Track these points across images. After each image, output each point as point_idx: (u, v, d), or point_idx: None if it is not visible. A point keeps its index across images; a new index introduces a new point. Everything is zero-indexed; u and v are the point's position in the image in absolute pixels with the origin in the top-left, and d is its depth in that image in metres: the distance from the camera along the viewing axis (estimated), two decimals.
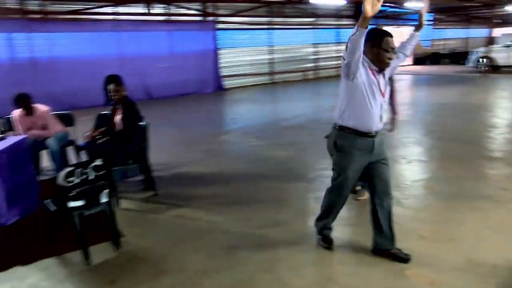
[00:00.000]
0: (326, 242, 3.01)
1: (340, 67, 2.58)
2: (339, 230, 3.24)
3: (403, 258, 2.77)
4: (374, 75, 2.57)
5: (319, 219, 3.04)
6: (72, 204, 2.95)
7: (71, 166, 3.01)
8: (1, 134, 4.66)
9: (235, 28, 14.56)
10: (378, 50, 2.54)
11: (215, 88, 14.01)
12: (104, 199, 3.09)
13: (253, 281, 2.68)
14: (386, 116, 2.83)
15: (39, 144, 4.75)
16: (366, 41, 2.33)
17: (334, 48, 17.69)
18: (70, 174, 2.90)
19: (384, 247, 2.83)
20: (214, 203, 4.06)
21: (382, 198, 2.75)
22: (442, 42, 24.90)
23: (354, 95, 2.56)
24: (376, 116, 2.61)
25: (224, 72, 14.36)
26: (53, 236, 3.23)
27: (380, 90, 2.59)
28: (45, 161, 5.04)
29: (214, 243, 3.21)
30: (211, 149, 6.23)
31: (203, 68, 13.60)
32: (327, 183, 3.01)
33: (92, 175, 2.97)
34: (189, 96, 12.93)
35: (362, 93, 2.54)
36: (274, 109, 10.19)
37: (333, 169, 2.85)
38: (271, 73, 15.98)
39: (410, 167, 5.01)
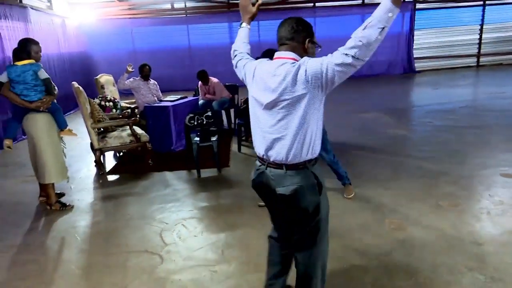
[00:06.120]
0: None
1: None
2: None
3: None
4: None
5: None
6: (193, 138, 4.79)
7: (191, 113, 4.79)
8: (194, 96, 7.05)
9: (436, 8, 13.97)
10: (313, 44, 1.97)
11: (405, 70, 14.02)
12: (213, 138, 4.81)
13: None
14: None
15: (209, 104, 6.93)
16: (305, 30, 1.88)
17: None
18: (191, 119, 4.71)
19: None
20: None
21: None
22: None
23: (320, 114, 1.87)
24: None
25: (417, 54, 14.13)
26: (187, 159, 5.19)
27: None
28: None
29: None
30: (341, 123, 7.17)
31: (392, 49, 13.80)
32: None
33: (204, 121, 4.70)
34: (375, 77, 13.52)
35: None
36: (444, 93, 9.83)
37: (317, 226, 1.99)
38: (477, 55, 14.56)
39: None
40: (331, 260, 2.81)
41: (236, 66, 2.19)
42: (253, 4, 2.21)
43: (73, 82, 4.96)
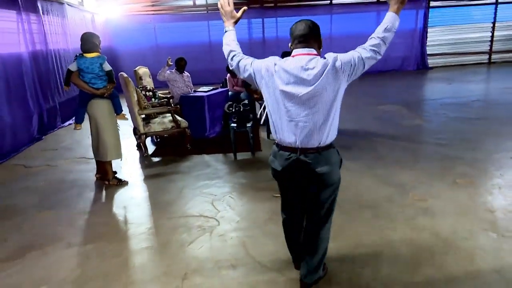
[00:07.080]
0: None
1: None
2: None
3: None
4: None
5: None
6: (231, 124, 5.30)
7: (230, 101, 5.29)
8: (221, 87, 7.56)
9: (449, 6, 14.29)
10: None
11: (418, 66, 14.38)
12: (248, 125, 5.31)
13: None
14: None
15: (237, 95, 7.43)
16: (319, 31, 2.22)
17: None
18: (230, 106, 5.22)
19: None
20: None
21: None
22: None
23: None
24: None
25: (430, 50, 14.48)
26: (224, 143, 5.70)
27: None
28: None
29: None
30: (361, 115, 7.63)
31: (406, 46, 14.15)
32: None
33: (241, 109, 5.20)
34: (389, 72, 13.91)
35: None
36: (457, 87, 10.21)
37: (334, 197, 2.34)
38: (489, 52, 14.86)
39: None
40: (362, 224, 3.32)
41: (237, 66, 2.33)
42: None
43: (121, 73, 5.49)
